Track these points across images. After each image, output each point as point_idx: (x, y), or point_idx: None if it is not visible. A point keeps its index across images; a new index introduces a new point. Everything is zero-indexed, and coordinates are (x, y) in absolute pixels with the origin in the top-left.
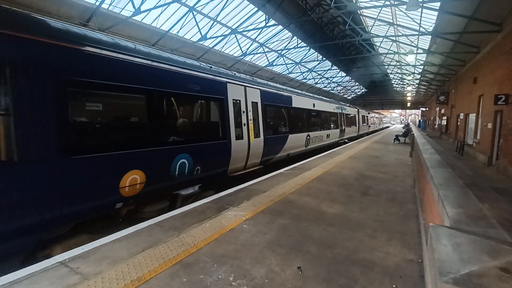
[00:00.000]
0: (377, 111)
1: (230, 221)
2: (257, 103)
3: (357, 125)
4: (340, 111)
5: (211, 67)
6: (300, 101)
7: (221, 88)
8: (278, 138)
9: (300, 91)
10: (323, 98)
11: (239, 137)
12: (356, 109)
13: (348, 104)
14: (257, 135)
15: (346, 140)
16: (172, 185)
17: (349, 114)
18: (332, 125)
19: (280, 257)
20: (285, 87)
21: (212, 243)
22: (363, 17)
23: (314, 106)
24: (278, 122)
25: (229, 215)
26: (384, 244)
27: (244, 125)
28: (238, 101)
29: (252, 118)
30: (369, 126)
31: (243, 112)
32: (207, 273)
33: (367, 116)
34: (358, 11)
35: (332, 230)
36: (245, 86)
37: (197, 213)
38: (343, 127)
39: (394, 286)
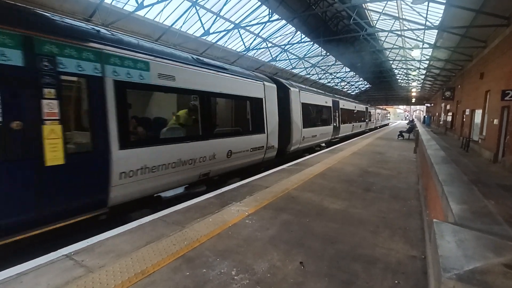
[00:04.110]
0: (381, 106)
1: (232, 216)
2: None
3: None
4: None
5: None
6: None
7: None
8: None
9: None
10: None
11: None
12: (293, 89)
13: (254, 73)
14: None
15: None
16: None
17: (246, 98)
18: None
19: (282, 252)
20: None
21: (214, 238)
22: (368, 11)
23: None
24: None
25: (232, 210)
26: (386, 240)
27: None
28: None
29: None
30: (353, 125)
31: None
32: (209, 267)
33: (334, 108)
34: (363, 5)
35: (335, 226)
36: None
37: (200, 208)
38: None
39: (396, 282)
